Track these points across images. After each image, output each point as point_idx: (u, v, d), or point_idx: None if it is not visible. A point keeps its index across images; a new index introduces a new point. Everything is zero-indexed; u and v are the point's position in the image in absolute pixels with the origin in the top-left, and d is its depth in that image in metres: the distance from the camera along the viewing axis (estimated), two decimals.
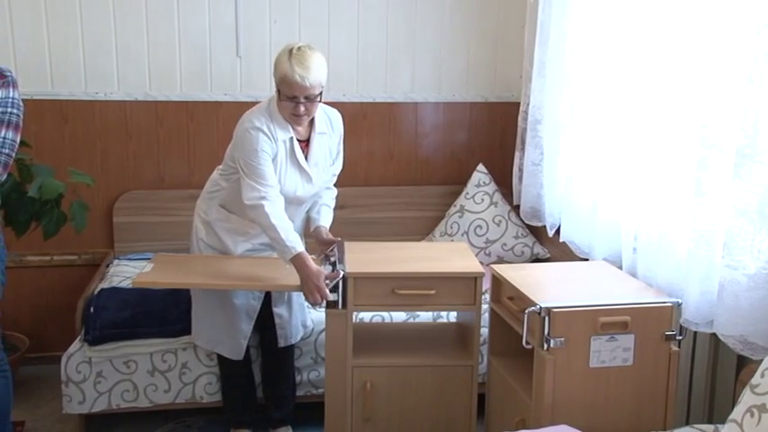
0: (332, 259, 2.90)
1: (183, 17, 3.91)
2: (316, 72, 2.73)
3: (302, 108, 2.77)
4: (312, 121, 2.92)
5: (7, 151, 2.51)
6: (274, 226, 2.74)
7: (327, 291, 2.72)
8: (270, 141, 2.81)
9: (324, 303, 2.74)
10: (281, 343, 3.14)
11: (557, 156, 3.54)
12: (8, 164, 2.52)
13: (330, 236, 3.01)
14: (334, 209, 3.17)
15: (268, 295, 3.08)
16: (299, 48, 2.76)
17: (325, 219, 3.07)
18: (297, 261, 2.74)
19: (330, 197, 3.16)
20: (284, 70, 2.72)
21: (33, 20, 3.77)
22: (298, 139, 2.90)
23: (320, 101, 2.83)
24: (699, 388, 2.68)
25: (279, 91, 2.78)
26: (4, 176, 2.54)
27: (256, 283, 2.88)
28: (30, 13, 3.77)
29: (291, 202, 2.92)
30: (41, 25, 3.79)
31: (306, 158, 2.92)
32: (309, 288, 2.72)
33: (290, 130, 2.86)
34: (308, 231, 3.11)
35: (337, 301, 2.77)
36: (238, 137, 2.86)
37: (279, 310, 3.11)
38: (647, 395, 2.43)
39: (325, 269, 2.82)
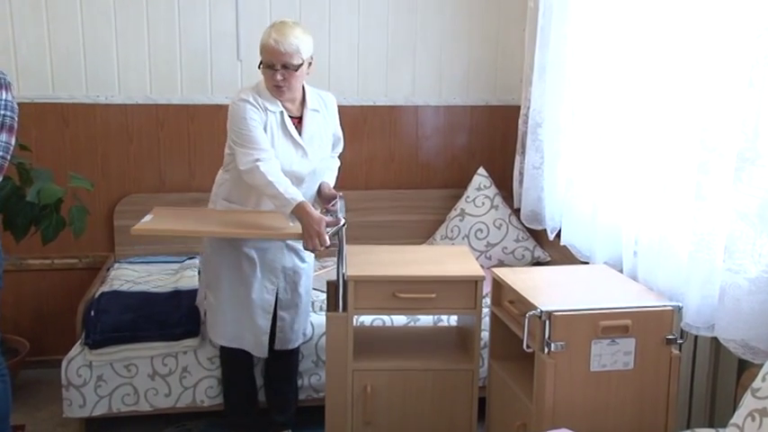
0: (333, 211, 2.91)
1: (183, 21, 3.91)
2: (292, 39, 2.80)
3: (279, 76, 2.81)
4: (304, 100, 2.97)
5: (2, 154, 2.51)
6: (271, 182, 2.76)
7: (327, 237, 2.74)
8: (257, 110, 2.86)
9: (321, 248, 2.76)
10: (278, 346, 3.13)
11: (557, 159, 3.54)
12: (3, 167, 2.52)
13: (332, 191, 3.04)
14: (338, 174, 3.20)
15: (277, 298, 3.07)
16: (282, 21, 2.87)
17: (327, 177, 3.11)
18: (298, 210, 2.74)
19: (333, 163, 3.19)
20: (263, 38, 2.83)
21: (35, 23, 3.78)
22: (290, 116, 2.94)
23: (299, 73, 2.85)
24: (700, 392, 2.67)
25: (261, 62, 2.86)
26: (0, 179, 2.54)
27: (258, 230, 2.86)
28: (31, 16, 3.77)
29: (291, 178, 2.90)
30: (43, 28, 3.79)
31: (300, 134, 2.95)
32: (310, 234, 2.73)
33: (280, 105, 2.91)
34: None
35: (336, 244, 2.77)
36: (229, 112, 2.92)
37: (283, 312, 3.11)
38: (648, 399, 2.43)
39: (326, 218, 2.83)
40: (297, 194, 2.78)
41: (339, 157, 3.23)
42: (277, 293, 3.08)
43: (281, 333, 3.12)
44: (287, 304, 3.10)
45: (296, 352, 3.23)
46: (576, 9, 3.33)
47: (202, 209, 3.09)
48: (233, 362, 3.16)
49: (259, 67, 2.88)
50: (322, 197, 3.06)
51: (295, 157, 2.94)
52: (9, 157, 2.54)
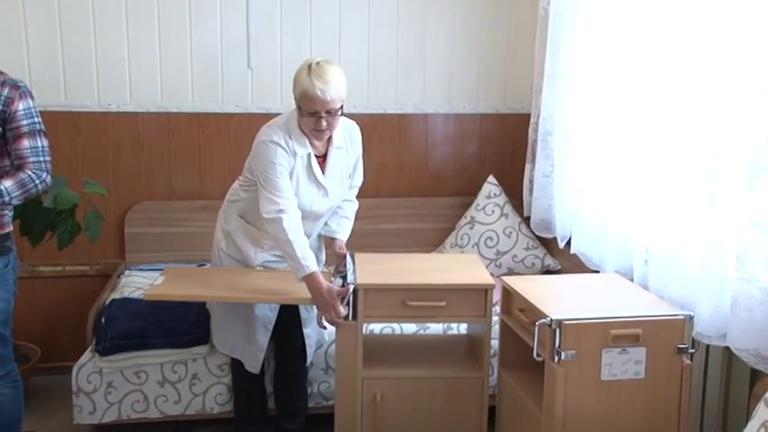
0: (342, 273, 2.89)
1: (194, 30, 3.92)
2: (336, 86, 2.72)
3: (324, 123, 2.75)
4: (330, 137, 2.92)
5: (48, 158, 2.62)
6: (291, 242, 2.72)
7: (341, 307, 2.72)
8: (287, 156, 2.81)
9: (339, 320, 2.75)
10: (308, 363, 3.16)
11: (567, 167, 3.53)
12: (51, 169, 2.62)
13: (343, 250, 3.01)
14: (355, 220, 3.17)
15: (287, 310, 3.06)
16: (318, 63, 2.75)
17: (343, 231, 3.08)
18: (309, 280, 2.73)
19: (351, 209, 3.16)
20: (304, 85, 2.71)
21: (48, 32, 3.80)
22: (315, 155, 2.90)
23: (341, 114, 2.82)
24: (712, 402, 2.65)
25: (299, 107, 2.77)
26: (51, 182, 2.64)
27: (270, 296, 2.87)
28: (44, 25, 3.79)
29: (308, 216, 2.91)
30: (56, 38, 3.81)
31: (323, 173, 2.92)
32: (325, 308, 2.73)
33: (308, 145, 2.86)
34: (328, 242, 3.12)
35: (348, 314, 2.76)
36: (256, 150, 2.86)
37: (308, 330, 3.11)
38: (660, 409, 2.41)
39: (336, 282, 2.82)
40: (311, 261, 2.74)
41: (358, 186, 3.18)
42: (298, 311, 3.06)
43: (310, 349, 3.14)
44: (309, 320, 3.10)
45: (305, 359, 3.23)
46: (586, 17, 3.33)
47: (213, 268, 3.09)
48: (243, 370, 3.15)
49: (298, 108, 2.78)
50: (332, 252, 3.02)
51: (317, 197, 2.91)
52: (50, 159, 2.65)
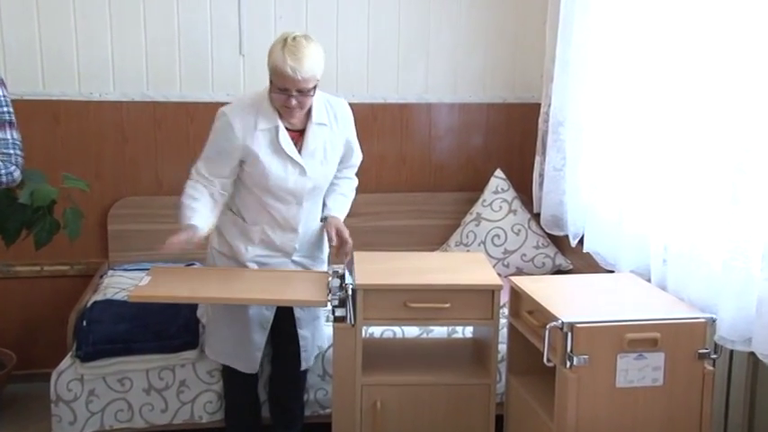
0: (340, 273, 2.89)
1: (182, 12, 3.91)
2: (309, 65, 2.75)
3: (293, 101, 2.80)
4: (309, 111, 2.94)
5: (18, 152, 2.59)
6: (182, 203, 2.93)
7: (174, 239, 2.81)
8: (232, 130, 2.86)
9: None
10: (304, 366, 3.16)
11: (580, 160, 3.52)
12: (20, 163, 2.59)
13: (336, 233, 2.98)
14: (355, 216, 3.18)
15: (284, 310, 3.06)
16: (295, 38, 2.79)
17: (337, 207, 3.08)
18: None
19: (348, 187, 3.17)
20: (277, 61, 2.75)
21: (23, 15, 3.78)
22: (290, 129, 2.92)
23: (313, 95, 2.85)
24: (736, 411, 2.65)
25: (271, 81, 2.82)
26: (20, 178, 2.60)
27: (262, 296, 2.87)
28: (20, 7, 3.77)
29: (288, 198, 2.93)
30: (32, 20, 3.79)
31: (299, 149, 2.92)
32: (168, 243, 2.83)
33: (278, 119, 2.89)
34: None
35: (347, 317, 2.76)
36: None
37: (304, 331, 3.11)
38: (679, 418, 2.41)
39: (333, 282, 2.81)
40: (195, 220, 2.87)
41: (357, 165, 3.20)
42: (293, 312, 3.07)
43: (305, 352, 3.13)
44: (305, 321, 3.10)
45: (300, 362, 3.22)
46: None
47: (203, 268, 3.10)
48: (235, 376, 3.15)
49: (271, 81, 2.83)
50: (329, 236, 3.02)
51: (291, 174, 2.92)
52: (22, 153, 2.60)
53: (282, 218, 2.97)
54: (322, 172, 3.00)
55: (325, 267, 3.16)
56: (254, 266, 3.03)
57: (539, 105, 3.98)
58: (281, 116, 2.89)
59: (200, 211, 2.90)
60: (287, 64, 2.72)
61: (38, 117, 3.84)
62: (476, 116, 4.25)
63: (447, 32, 4.14)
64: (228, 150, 2.90)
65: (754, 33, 2.32)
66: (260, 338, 3.07)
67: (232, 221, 3.05)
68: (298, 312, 3.07)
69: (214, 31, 3.95)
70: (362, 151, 3.17)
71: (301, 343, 3.11)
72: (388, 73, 4.13)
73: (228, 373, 3.17)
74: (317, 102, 2.93)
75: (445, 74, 4.19)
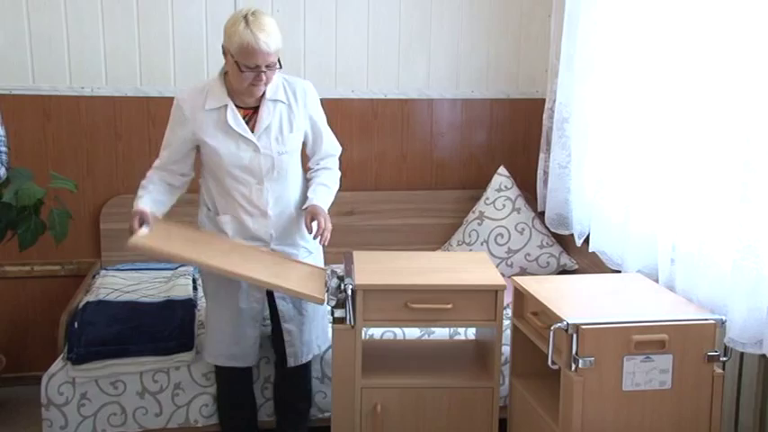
0: (339, 273, 2.89)
1: (177, 5, 3.91)
2: (276, 37, 2.83)
3: (264, 77, 2.84)
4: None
5: (3, 148, 2.56)
6: (139, 189, 3.00)
7: (134, 224, 2.84)
8: (181, 114, 2.96)
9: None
10: (291, 362, 3.14)
11: (585, 157, 3.53)
12: (6, 161, 2.57)
13: (311, 219, 2.93)
14: (338, 192, 3.15)
15: (272, 302, 3.08)
16: (254, 13, 2.84)
17: (318, 196, 3.03)
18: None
19: (329, 178, 3.12)
20: (245, 39, 2.77)
21: (13, 7, 3.78)
22: (242, 107, 2.96)
23: (280, 67, 2.89)
24: (747, 415, 2.65)
25: (236, 63, 2.82)
26: (5, 175, 2.57)
27: (254, 276, 2.81)
28: None
29: (246, 176, 2.95)
30: (21, 12, 3.79)
31: (253, 127, 2.96)
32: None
33: (227, 98, 2.93)
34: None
35: (347, 317, 2.76)
36: None
37: (288, 325, 3.11)
38: (688, 422, 2.41)
39: (332, 283, 2.82)
40: (141, 203, 2.93)
41: (335, 156, 3.17)
42: (275, 305, 3.07)
43: (291, 348, 3.12)
44: (289, 315, 3.10)
45: (308, 365, 3.22)
46: None
47: (204, 232, 3.06)
48: (230, 379, 3.16)
49: (233, 64, 2.83)
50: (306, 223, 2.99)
51: (244, 151, 2.95)
52: (7, 149, 2.58)
53: (248, 201, 2.98)
54: (277, 149, 2.99)
55: (313, 257, 3.13)
56: None
57: (543, 101, 3.98)
58: (230, 95, 2.94)
59: (147, 196, 2.96)
60: (259, 40, 2.76)
61: (27, 112, 3.84)
62: (478, 112, 4.25)
63: (449, 26, 4.14)
64: (180, 133, 2.97)
65: (762, 29, 2.32)
66: (252, 332, 3.08)
67: (207, 217, 3.08)
68: (280, 305, 3.07)
69: (209, 23, 3.94)
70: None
71: (286, 338, 3.10)
72: (388, 67, 4.13)
73: (222, 376, 3.18)
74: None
75: (447, 68, 4.19)
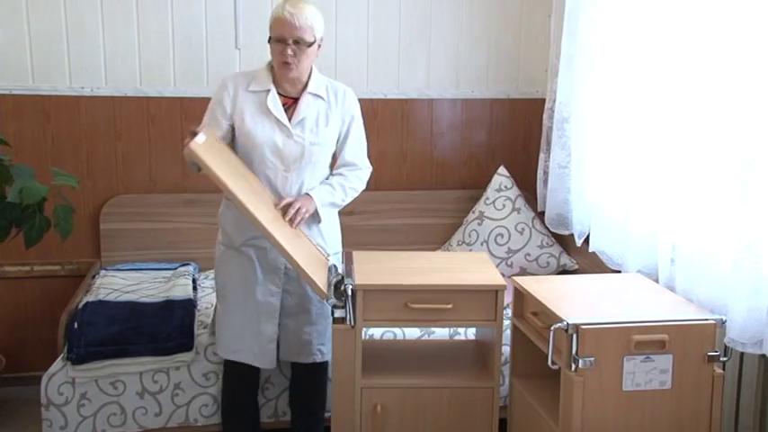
0: (339, 271, 2.89)
1: (177, 5, 3.91)
2: (307, 14, 2.91)
3: (290, 51, 2.89)
4: (307, 84, 3.04)
5: None
6: None
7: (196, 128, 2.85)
8: (225, 91, 3.03)
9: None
10: (282, 356, 3.14)
11: (585, 157, 3.52)
12: None
13: (284, 198, 2.96)
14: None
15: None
16: None
17: (317, 191, 3.03)
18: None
19: (339, 183, 3.11)
20: (276, 11, 2.93)
21: (13, 7, 3.78)
22: (284, 95, 3.01)
23: (311, 51, 2.94)
24: (747, 415, 2.65)
25: (270, 38, 2.93)
26: None
27: (279, 239, 2.79)
28: None
29: (276, 161, 2.97)
30: (21, 13, 3.79)
31: (291, 116, 3.00)
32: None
33: (271, 84, 3.01)
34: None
35: (347, 317, 2.76)
36: None
37: (286, 320, 3.10)
38: (688, 422, 2.41)
39: (333, 280, 2.82)
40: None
41: (357, 164, 3.16)
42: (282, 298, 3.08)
43: (284, 342, 3.12)
44: (292, 310, 3.09)
45: (323, 367, 3.21)
46: None
47: (251, 172, 3.02)
48: (238, 376, 3.15)
49: (269, 42, 2.93)
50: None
51: (278, 136, 2.99)
52: None
53: (272, 188, 2.99)
54: (310, 139, 3.01)
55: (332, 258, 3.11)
56: (250, 251, 3.03)
57: (543, 101, 3.98)
58: (275, 83, 3.00)
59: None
60: (285, 9, 2.87)
61: (27, 113, 3.84)
62: (478, 112, 4.25)
63: (449, 25, 4.14)
64: (220, 111, 3.02)
65: (762, 29, 2.32)
66: (270, 329, 3.07)
67: (228, 207, 3.06)
68: (284, 298, 3.08)
69: (209, 23, 3.94)
70: (367, 135, 3.17)
71: (281, 332, 3.10)
72: (388, 68, 4.13)
73: (229, 376, 3.18)
74: (318, 76, 3.05)
75: (447, 68, 4.19)
